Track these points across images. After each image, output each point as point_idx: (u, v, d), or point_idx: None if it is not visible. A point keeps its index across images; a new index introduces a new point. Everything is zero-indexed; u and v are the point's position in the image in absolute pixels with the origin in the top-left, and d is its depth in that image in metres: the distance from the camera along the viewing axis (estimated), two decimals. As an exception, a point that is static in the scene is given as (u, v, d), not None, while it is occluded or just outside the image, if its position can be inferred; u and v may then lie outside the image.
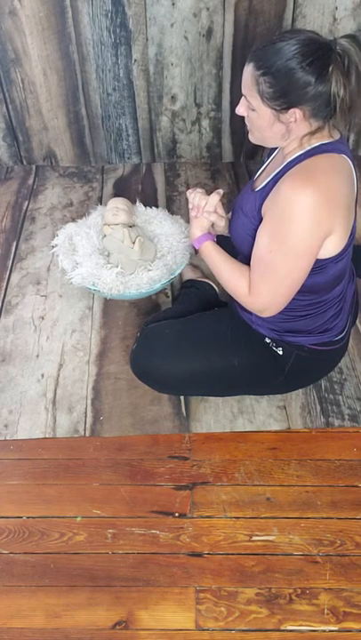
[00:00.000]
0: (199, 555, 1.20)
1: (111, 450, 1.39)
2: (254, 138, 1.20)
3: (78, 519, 1.27)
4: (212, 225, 1.37)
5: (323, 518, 1.25)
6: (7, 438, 1.42)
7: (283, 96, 1.07)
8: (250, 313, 1.35)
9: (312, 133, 1.12)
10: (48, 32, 1.99)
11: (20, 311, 1.75)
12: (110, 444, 1.40)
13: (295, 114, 1.08)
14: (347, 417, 1.44)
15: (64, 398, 1.51)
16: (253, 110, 1.13)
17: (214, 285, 1.68)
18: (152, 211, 1.91)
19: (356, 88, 1.06)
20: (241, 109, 1.16)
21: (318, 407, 1.46)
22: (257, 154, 2.32)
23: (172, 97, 2.17)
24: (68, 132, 2.26)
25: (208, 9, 1.95)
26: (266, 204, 1.17)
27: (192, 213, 1.35)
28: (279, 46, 1.06)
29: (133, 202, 1.94)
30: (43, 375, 1.57)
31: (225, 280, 1.29)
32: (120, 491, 1.31)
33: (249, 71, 1.10)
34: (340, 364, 1.55)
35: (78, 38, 2.01)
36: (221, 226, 1.38)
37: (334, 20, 1.98)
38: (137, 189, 2.23)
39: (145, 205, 1.95)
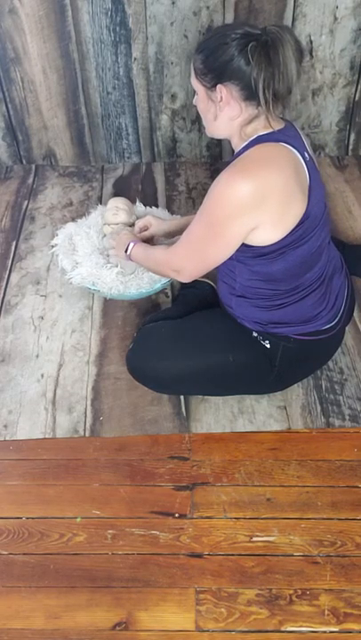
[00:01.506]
0: (199, 555, 1.20)
1: (111, 450, 1.38)
2: (205, 128, 1.28)
3: (78, 520, 1.27)
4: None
5: (323, 519, 1.25)
6: (7, 438, 1.42)
7: (211, 71, 1.16)
8: (230, 307, 1.39)
9: (248, 122, 1.18)
10: (48, 31, 1.99)
11: (19, 311, 1.75)
12: (110, 445, 1.40)
13: (221, 90, 1.15)
14: (347, 417, 1.43)
15: (64, 398, 1.50)
16: (197, 94, 1.23)
17: (214, 285, 1.68)
18: (152, 210, 1.90)
19: (279, 74, 1.10)
20: (194, 98, 1.26)
21: (319, 407, 1.46)
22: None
23: (172, 96, 2.16)
24: (67, 131, 2.25)
25: (208, 8, 1.95)
26: None
27: (111, 251, 1.62)
28: (218, 30, 1.19)
29: (133, 201, 1.94)
30: (42, 375, 1.56)
31: (152, 259, 1.42)
32: (120, 491, 1.31)
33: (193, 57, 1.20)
34: (340, 365, 1.55)
35: (78, 37, 2.00)
36: (164, 229, 1.64)
37: (335, 19, 1.97)
38: (137, 189, 2.22)
39: (145, 205, 1.95)
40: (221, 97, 1.16)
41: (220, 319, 1.42)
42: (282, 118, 1.23)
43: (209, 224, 1.20)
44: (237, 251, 1.23)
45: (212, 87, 1.17)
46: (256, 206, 1.14)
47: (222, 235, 1.19)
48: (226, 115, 1.19)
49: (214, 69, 1.15)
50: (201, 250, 1.25)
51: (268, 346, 1.34)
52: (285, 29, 1.11)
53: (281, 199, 1.15)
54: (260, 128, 1.18)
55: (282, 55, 1.09)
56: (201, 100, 1.22)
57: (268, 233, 1.18)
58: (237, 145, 1.23)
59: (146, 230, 1.67)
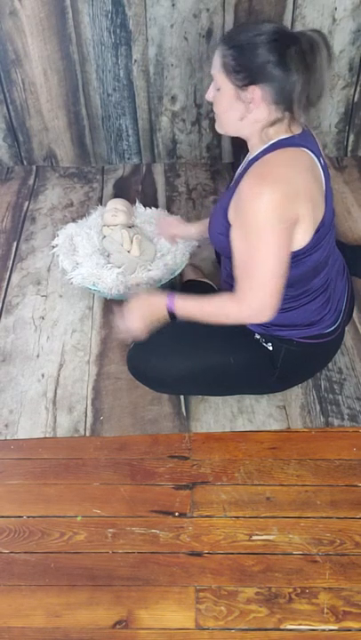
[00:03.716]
0: (199, 554, 1.21)
1: (111, 449, 1.39)
2: (218, 124, 1.23)
3: (79, 519, 1.27)
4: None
5: (322, 518, 1.25)
6: (7, 438, 1.43)
7: (244, 70, 1.11)
8: None
9: (271, 125, 1.15)
10: (48, 32, 1.99)
11: (20, 311, 1.76)
12: (110, 444, 1.40)
13: (254, 92, 1.11)
14: (346, 417, 1.44)
15: (64, 398, 1.51)
16: (218, 90, 1.16)
17: (214, 285, 1.68)
18: (152, 211, 1.91)
19: (314, 80, 1.09)
20: (210, 93, 1.19)
21: (318, 407, 1.46)
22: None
23: (172, 97, 2.17)
24: (68, 132, 2.26)
25: (208, 10, 1.96)
26: (231, 205, 1.20)
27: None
28: (248, 27, 1.14)
29: (133, 202, 1.95)
30: (43, 375, 1.57)
31: (212, 314, 1.27)
32: (120, 490, 1.31)
33: (218, 50, 1.14)
34: (339, 365, 1.55)
35: (79, 39, 2.01)
36: (192, 232, 1.62)
37: (334, 20, 1.98)
38: (137, 190, 2.23)
39: (145, 206, 1.95)
40: (253, 98, 1.12)
41: None
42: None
43: (265, 245, 1.12)
44: None
45: (243, 86, 1.12)
46: (289, 203, 1.11)
47: (277, 246, 1.13)
48: (253, 116, 1.15)
49: (250, 69, 1.10)
50: (271, 273, 1.15)
51: (270, 348, 1.34)
52: (321, 35, 1.09)
53: (308, 200, 1.14)
54: (281, 131, 1.16)
55: (318, 62, 1.08)
56: (226, 97, 1.15)
57: (301, 234, 1.17)
58: (255, 146, 1.19)
59: (173, 234, 1.66)
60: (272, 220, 1.11)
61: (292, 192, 1.11)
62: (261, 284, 1.17)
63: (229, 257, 1.30)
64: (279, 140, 1.16)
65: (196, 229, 1.63)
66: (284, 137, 1.16)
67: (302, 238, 1.17)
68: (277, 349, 1.33)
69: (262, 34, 1.09)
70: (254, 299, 1.19)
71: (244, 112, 1.15)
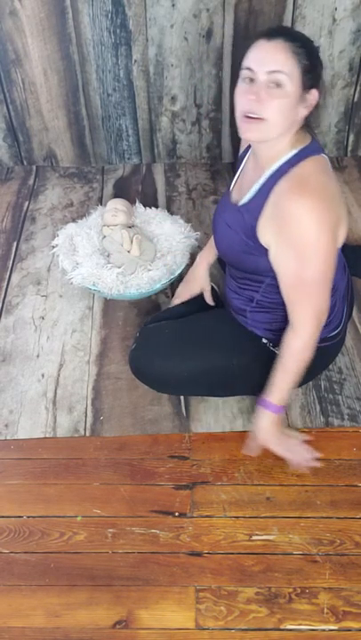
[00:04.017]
0: (199, 554, 1.21)
1: (111, 449, 1.39)
2: (266, 128, 1.08)
3: (78, 519, 1.27)
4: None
5: (322, 518, 1.25)
6: (7, 438, 1.43)
7: (314, 71, 1.08)
8: (243, 315, 1.37)
9: (296, 131, 1.15)
10: (48, 32, 2.00)
11: (20, 311, 1.76)
12: (110, 444, 1.40)
13: (314, 95, 1.10)
14: (346, 417, 1.44)
15: (64, 398, 1.51)
16: (279, 87, 1.05)
17: (214, 286, 1.68)
18: (152, 211, 1.91)
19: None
20: (261, 95, 1.05)
21: (318, 407, 1.46)
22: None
23: (172, 98, 2.17)
24: (68, 132, 2.26)
25: (208, 10, 1.96)
26: (264, 225, 1.15)
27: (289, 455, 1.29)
28: (289, 28, 1.19)
29: (133, 202, 1.95)
30: (43, 375, 1.57)
31: (293, 364, 1.22)
32: (120, 490, 1.31)
33: (281, 44, 1.04)
34: (339, 364, 1.55)
35: (79, 39, 2.01)
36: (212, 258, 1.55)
37: (334, 20, 1.98)
38: (137, 190, 2.23)
39: (145, 206, 1.95)
40: (312, 101, 1.10)
41: (226, 322, 1.40)
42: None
43: (320, 258, 1.12)
44: None
45: (308, 89, 1.08)
46: (332, 210, 1.12)
47: (329, 252, 1.13)
48: (297, 125, 1.13)
49: (318, 71, 1.08)
50: (324, 280, 1.15)
51: (277, 352, 1.33)
52: None
53: (341, 203, 1.16)
54: (300, 141, 1.15)
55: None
56: (292, 97, 1.07)
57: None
58: (280, 153, 1.14)
59: (198, 294, 1.59)
60: (323, 233, 1.10)
61: (331, 197, 1.12)
62: (318, 292, 1.16)
63: (240, 269, 1.29)
64: (299, 152, 1.14)
65: (213, 254, 1.56)
66: (303, 145, 1.15)
67: (337, 242, 1.18)
68: None
69: (310, 40, 1.11)
70: (315, 311, 1.18)
71: (302, 116, 1.12)
